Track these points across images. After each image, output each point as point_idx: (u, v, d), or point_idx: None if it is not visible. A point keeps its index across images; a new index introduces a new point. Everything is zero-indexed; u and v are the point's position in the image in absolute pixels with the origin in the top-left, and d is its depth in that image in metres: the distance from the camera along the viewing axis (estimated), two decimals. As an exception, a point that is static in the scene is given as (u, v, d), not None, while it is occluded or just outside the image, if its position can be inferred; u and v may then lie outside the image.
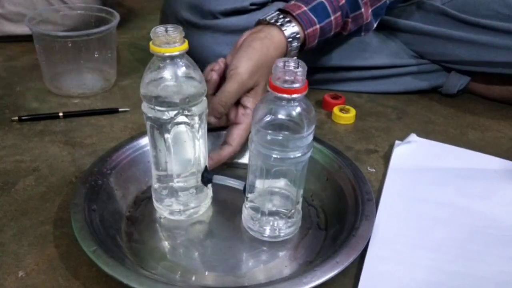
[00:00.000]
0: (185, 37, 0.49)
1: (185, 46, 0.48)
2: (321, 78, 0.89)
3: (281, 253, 0.53)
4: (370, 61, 0.88)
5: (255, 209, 0.54)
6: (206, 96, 0.53)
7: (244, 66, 0.60)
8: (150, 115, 0.51)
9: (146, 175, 0.61)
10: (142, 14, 1.31)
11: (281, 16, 0.68)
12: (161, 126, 0.51)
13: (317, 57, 0.86)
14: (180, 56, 0.49)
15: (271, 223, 0.54)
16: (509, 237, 0.56)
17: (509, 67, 0.80)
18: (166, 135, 0.51)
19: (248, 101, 0.62)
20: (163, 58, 0.48)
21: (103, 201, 0.56)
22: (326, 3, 0.69)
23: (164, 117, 0.50)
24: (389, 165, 0.68)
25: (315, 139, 0.54)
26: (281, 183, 0.52)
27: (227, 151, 0.62)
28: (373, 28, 0.79)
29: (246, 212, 0.55)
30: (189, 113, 0.51)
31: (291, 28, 0.66)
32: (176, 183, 0.55)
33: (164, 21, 0.88)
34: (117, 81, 0.91)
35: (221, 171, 0.61)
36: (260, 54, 0.62)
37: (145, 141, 0.62)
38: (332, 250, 0.49)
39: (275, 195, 0.53)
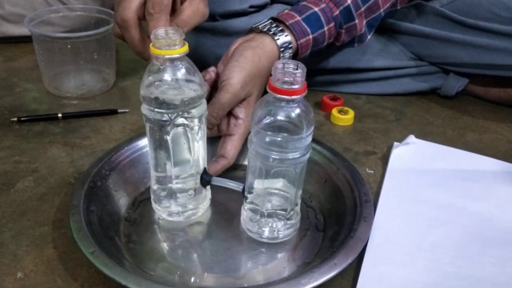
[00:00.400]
0: (184, 39, 0.49)
1: (185, 48, 0.49)
2: (321, 80, 0.90)
3: (279, 255, 0.53)
4: (369, 63, 0.88)
5: (254, 211, 0.54)
6: (206, 98, 0.53)
7: (236, 76, 0.60)
8: (149, 116, 0.51)
9: (145, 176, 0.61)
10: (141, 15, 1.31)
11: (274, 24, 0.67)
12: (161, 128, 0.51)
13: (317, 59, 0.86)
14: (180, 59, 0.49)
15: (270, 225, 0.54)
16: (506, 238, 0.56)
17: (507, 69, 0.80)
18: (165, 137, 0.52)
19: (241, 112, 0.62)
20: (163, 60, 0.49)
21: (102, 202, 0.56)
22: (319, 13, 0.69)
23: (164, 118, 0.50)
24: (387, 167, 0.68)
25: (314, 140, 0.54)
26: (279, 183, 0.52)
27: (222, 164, 0.61)
28: (367, 39, 0.78)
29: (245, 214, 0.55)
30: (188, 115, 0.51)
31: (284, 38, 0.66)
32: (175, 185, 0.55)
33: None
34: (116, 82, 0.91)
35: (220, 173, 0.61)
36: (252, 63, 0.61)
37: (144, 142, 0.62)
38: (330, 252, 0.50)
39: (274, 195, 0.53)
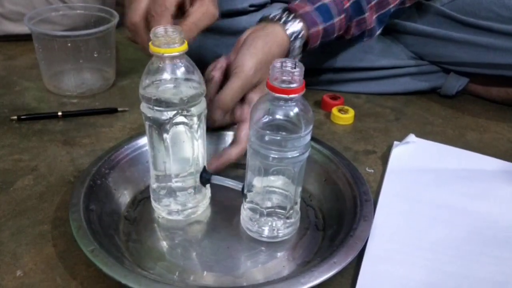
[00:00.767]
0: (184, 38, 0.49)
1: (184, 47, 0.49)
2: (321, 79, 0.90)
3: (279, 254, 0.53)
4: (370, 62, 0.88)
5: (254, 210, 0.54)
6: (205, 96, 0.53)
7: (248, 63, 0.60)
8: (149, 115, 0.51)
9: (145, 175, 0.61)
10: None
11: (285, 13, 0.67)
12: (160, 126, 0.51)
13: (317, 58, 0.86)
14: (179, 57, 0.49)
15: (269, 224, 0.54)
16: (506, 238, 0.56)
17: (508, 68, 0.80)
18: (165, 135, 0.52)
19: (253, 98, 0.62)
20: (163, 59, 0.49)
21: (102, 201, 0.56)
22: (330, 5, 0.69)
23: (163, 117, 0.50)
24: (387, 166, 0.68)
25: (314, 139, 0.54)
26: (279, 182, 0.52)
27: (236, 150, 0.61)
28: (376, 34, 0.78)
29: (244, 213, 0.55)
30: (188, 114, 0.51)
31: (295, 26, 0.66)
32: (175, 183, 0.55)
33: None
34: (116, 81, 0.91)
35: (220, 171, 0.61)
36: (263, 51, 0.62)
37: (143, 141, 0.62)
38: (330, 251, 0.50)
39: (273, 193, 0.53)
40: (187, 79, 0.50)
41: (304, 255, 0.53)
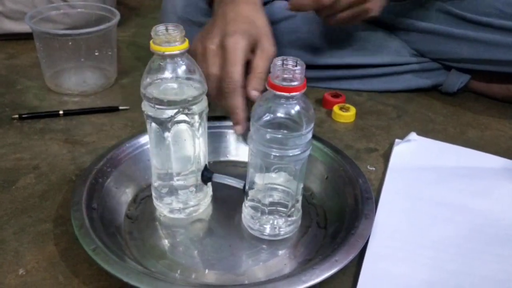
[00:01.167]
0: (185, 35, 0.49)
1: (185, 45, 0.49)
2: (322, 76, 0.89)
3: (280, 252, 0.53)
4: (371, 59, 0.88)
5: (255, 208, 0.54)
6: (206, 95, 0.53)
7: None
8: (150, 113, 0.51)
9: (146, 173, 0.61)
10: (143, 12, 1.31)
11: None
12: (161, 125, 0.51)
13: (318, 55, 0.86)
14: (180, 55, 0.49)
15: (271, 222, 0.54)
16: (508, 236, 0.56)
17: (510, 65, 0.80)
18: (166, 134, 0.52)
19: None
20: (164, 57, 0.49)
21: (103, 199, 0.56)
22: None
23: (164, 115, 0.50)
24: (388, 164, 0.68)
25: (315, 137, 0.54)
26: (280, 179, 0.52)
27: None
28: None
29: (246, 211, 0.55)
30: (189, 112, 0.51)
31: None
32: (176, 181, 0.55)
33: (164, 18, 0.88)
34: (117, 79, 0.91)
35: (221, 170, 0.61)
36: None
37: (145, 139, 0.62)
38: (332, 249, 0.50)
39: (275, 191, 0.53)
40: (188, 78, 0.50)
41: (306, 253, 0.53)
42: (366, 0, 0.69)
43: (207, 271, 0.51)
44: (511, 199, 0.62)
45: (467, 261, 0.52)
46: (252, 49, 0.61)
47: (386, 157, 0.71)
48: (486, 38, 0.79)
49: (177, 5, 0.86)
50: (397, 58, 0.88)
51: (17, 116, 0.77)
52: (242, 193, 0.55)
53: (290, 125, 0.47)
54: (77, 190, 0.54)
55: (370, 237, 0.53)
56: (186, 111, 0.51)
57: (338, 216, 0.57)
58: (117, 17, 0.86)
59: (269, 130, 0.47)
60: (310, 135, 0.49)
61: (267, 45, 0.61)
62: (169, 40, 0.48)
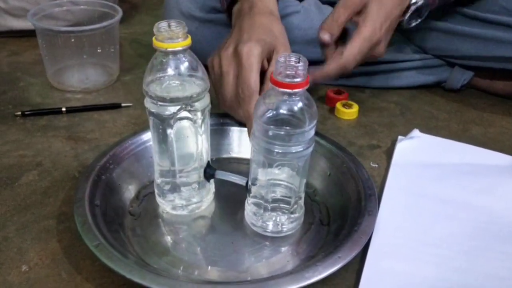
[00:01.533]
0: (187, 30, 0.49)
1: (188, 41, 0.48)
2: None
3: (283, 248, 0.53)
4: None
5: (258, 205, 0.54)
6: (209, 91, 0.53)
7: (372, 24, 0.60)
8: (152, 110, 0.51)
9: (149, 170, 0.61)
10: (145, 9, 1.31)
11: None
12: (164, 121, 0.51)
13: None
14: (183, 52, 0.49)
15: (273, 219, 0.54)
16: (511, 233, 0.56)
17: (513, 62, 0.80)
18: (169, 130, 0.51)
19: (359, 18, 0.60)
20: (166, 54, 0.48)
21: (106, 196, 0.56)
22: None
23: (167, 112, 0.50)
24: (391, 161, 0.68)
25: (318, 134, 0.54)
26: (283, 175, 0.52)
27: (335, 62, 0.59)
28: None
29: (248, 208, 0.55)
30: (191, 109, 0.51)
31: None
32: (179, 178, 0.55)
33: (167, 14, 0.88)
34: (120, 76, 0.91)
35: (224, 167, 0.61)
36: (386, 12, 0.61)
37: (147, 136, 0.62)
38: (334, 245, 0.50)
39: (278, 186, 0.53)
40: (190, 74, 0.50)
41: (308, 250, 0.53)
42: (376, 51, 0.67)
43: (209, 268, 0.51)
44: (515, 196, 0.62)
45: (470, 258, 0.52)
46: (269, 57, 0.61)
47: (389, 154, 0.71)
48: (489, 35, 0.79)
49: (180, 1, 0.86)
50: (400, 55, 0.88)
51: (19, 113, 0.77)
52: (244, 190, 0.55)
53: (293, 121, 0.47)
54: (80, 187, 0.55)
55: (373, 234, 0.52)
56: (189, 107, 0.51)
57: (341, 213, 0.57)
58: (119, 14, 0.86)
59: (272, 126, 0.47)
60: (313, 132, 0.49)
61: (282, 49, 0.61)
62: (171, 36, 0.47)
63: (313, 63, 0.59)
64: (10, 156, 0.68)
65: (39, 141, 0.71)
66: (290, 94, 0.46)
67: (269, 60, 0.62)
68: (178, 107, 0.50)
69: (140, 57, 1.01)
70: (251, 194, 0.54)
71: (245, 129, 0.64)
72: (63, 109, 0.78)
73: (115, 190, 0.58)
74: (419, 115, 0.83)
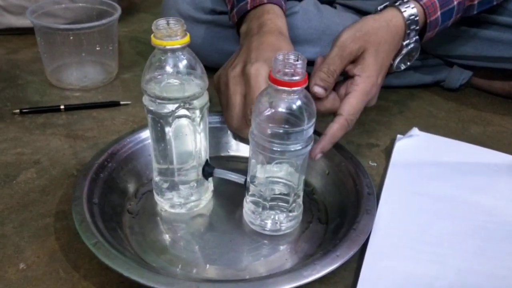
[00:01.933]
0: (186, 29, 0.49)
1: (186, 39, 0.48)
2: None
3: (281, 247, 0.53)
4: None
5: (256, 203, 0.54)
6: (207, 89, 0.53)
7: (344, 33, 0.58)
8: (151, 108, 0.51)
9: (147, 168, 0.61)
10: (144, 7, 1.31)
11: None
12: (162, 119, 0.51)
13: (319, 51, 0.86)
14: (181, 49, 0.49)
15: (272, 217, 0.54)
16: (510, 232, 0.56)
17: (512, 62, 0.80)
18: (167, 128, 0.51)
19: (355, 69, 0.58)
20: (165, 51, 0.48)
21: (104, 194, 0.56)
22: None
23: (165, 110, 0.50)
24: (390, 159, 0.68)
25: (317, 133, 0.54)
26: (282, 172, 0.52)
27: (338, 122, 0.58)
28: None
29: (247, 206, 0.55)
30: (190, 107, 0.51)
31: (410, 10, 0.62)
32: (177, 176, 0.55)
33: (165, 14, 0.88)
34: (118, 74, 0.91)
35: (222, 165, 0.61)
36: (365, 23, 0.60)
37: (146, 134, 0.62)
38: (333, 244, 0.50)
39: (276, 184, 0.53)
40: (189, 72, 0.50)
41: (307, 248, 0.53)
42: (370, 103, 0.63)
43: (208, 266, 0.51)
44: (513, 195, 0.62)
45: (469, 257, 0.52)
46: None
47: (388, 152, 0.71)
48: (488, 35, 0.79)
49: (178, 1, 0.85)
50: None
51: (18, 111, 0.77)
52: (243, 188, 0.55)
53: (291, 120, 0.47)
54: (78, 185, 0.54)
55: (372, 232, 0.52)
56: (187, 105, 0.50)
57: (339, 211, 0.57)
58: (118, 12, 0.86)
59: (270, 125, 0.47)
60: (311, 130, 0.49)
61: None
62: (170, 34, 0.47)
63: (311, 62, 0.58)
64: (8, 154, 0.68)
65: (37, 139, 0.71)
66: (288, 92, 0.46)
67: None
68: (176, 105, 0.50)
69: (139, 55, 1.01)
70: (249, 192, 0.54)
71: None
72: (62, 107, 0.78)
73: (113, 188, 0.58)
74: (418, 114, 0.83)
